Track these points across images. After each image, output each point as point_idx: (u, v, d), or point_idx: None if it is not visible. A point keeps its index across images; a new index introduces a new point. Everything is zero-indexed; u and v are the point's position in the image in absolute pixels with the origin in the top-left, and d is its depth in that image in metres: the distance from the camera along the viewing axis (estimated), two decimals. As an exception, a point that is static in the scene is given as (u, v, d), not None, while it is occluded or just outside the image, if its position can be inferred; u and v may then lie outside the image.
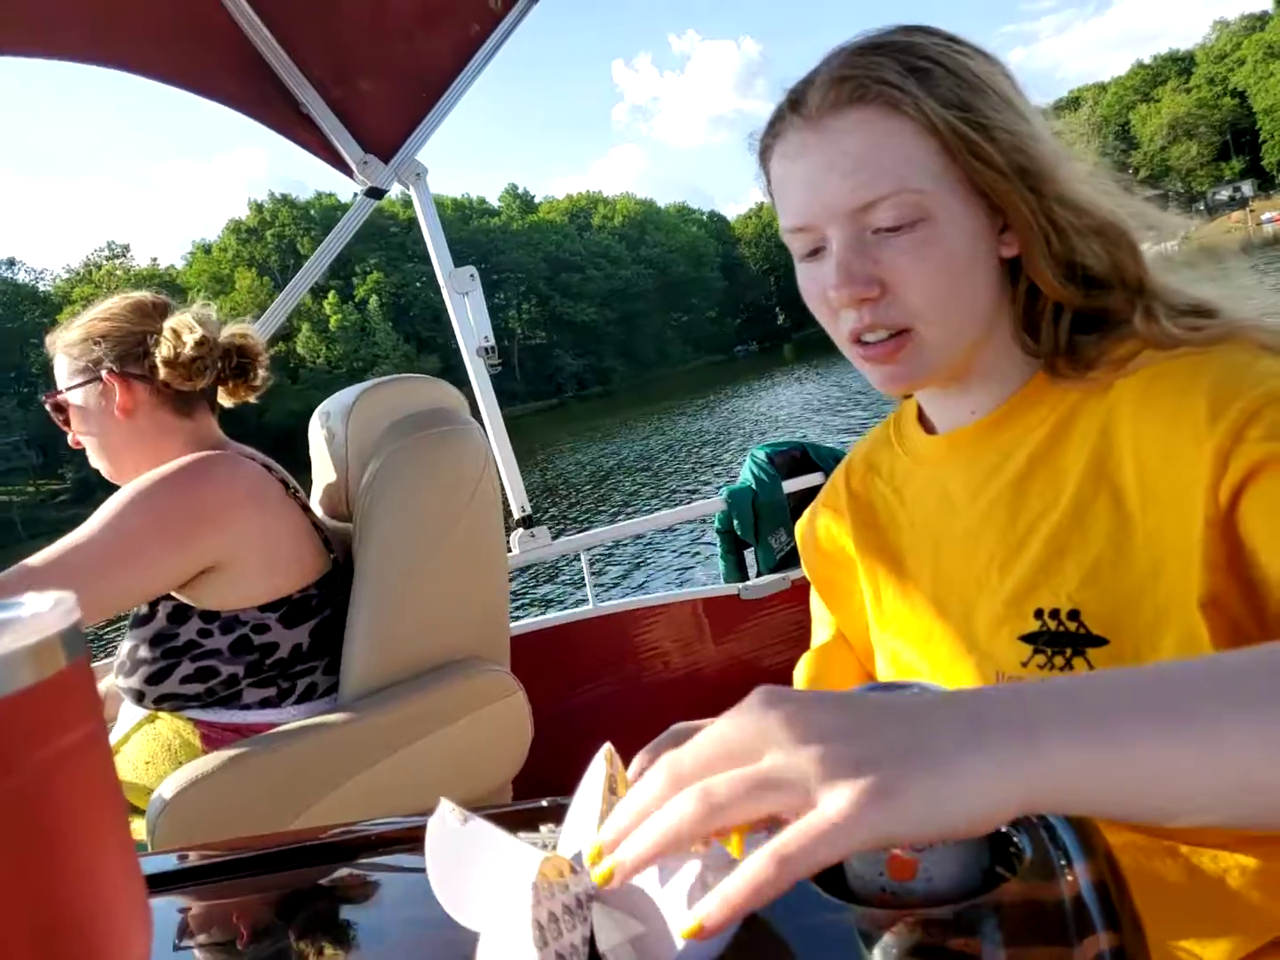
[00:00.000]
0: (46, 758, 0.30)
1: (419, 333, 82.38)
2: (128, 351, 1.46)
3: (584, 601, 2.31)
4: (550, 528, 2.28)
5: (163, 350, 1.44)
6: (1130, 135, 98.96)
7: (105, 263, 79.64)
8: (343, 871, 0.68)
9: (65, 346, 1.48)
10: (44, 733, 0.30)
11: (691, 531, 8.86)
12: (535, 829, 0.63)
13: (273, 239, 79.77)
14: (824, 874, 0.52)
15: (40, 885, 0.30)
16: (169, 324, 1.47)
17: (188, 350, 1.44)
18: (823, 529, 1.02)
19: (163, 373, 1.44)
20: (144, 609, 1.41)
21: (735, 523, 2.47)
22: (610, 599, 2.36)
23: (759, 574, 2.49)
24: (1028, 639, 0.76)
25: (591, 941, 0.47)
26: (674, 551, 8.83)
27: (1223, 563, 0.66)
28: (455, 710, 1.43)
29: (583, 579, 2.36)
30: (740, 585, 2.43)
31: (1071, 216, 0.75)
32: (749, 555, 2.57)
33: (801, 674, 1.10)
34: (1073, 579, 0.73)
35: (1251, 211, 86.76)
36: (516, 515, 2.26)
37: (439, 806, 0.52)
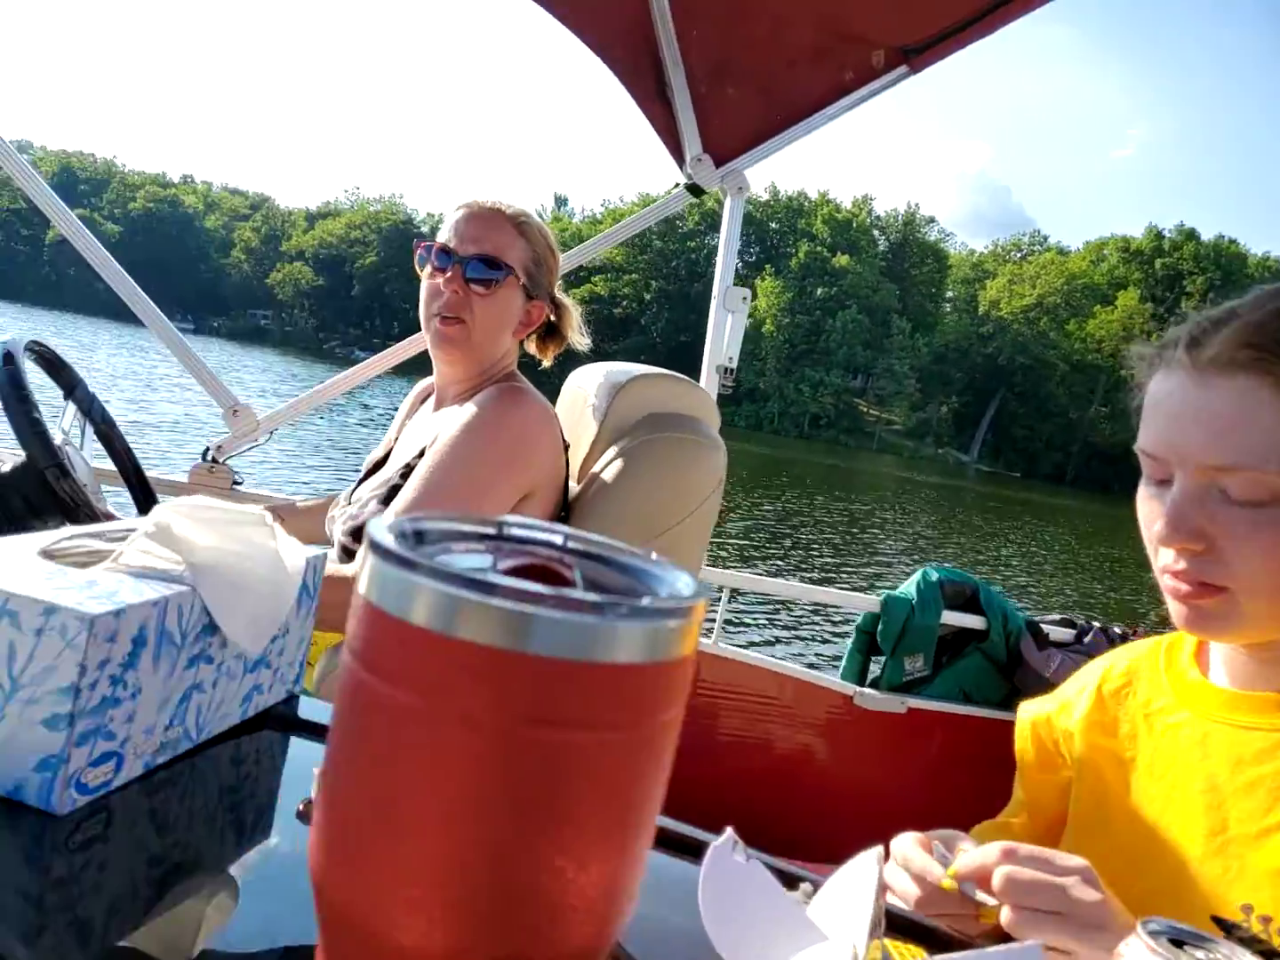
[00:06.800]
0: (659, 723, 0.31)
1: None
2: (551, 292, 1.58)
3: (707, 636, 2.30)
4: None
5: (571, 328, 1.64)
6: None
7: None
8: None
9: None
10: (665, 701, 0.31)
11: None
12: (792, 887, 0.64)
13: (1161, 269, 72.14)
14: None
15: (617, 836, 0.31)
16: (571, 306, 1.64)
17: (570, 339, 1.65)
18: (1056, 720, 0.99)
19: (556, 339, 1.65)
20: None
21: (880, 628, 2.42)
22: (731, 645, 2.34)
23: (878, 686, 2.44)
24: (1220, 923, 0.73)
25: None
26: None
27: None
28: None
29: (715, 614, 2.35)
30: (856, 688, 2.39)
31: None
32: (874, 664, 2.52)
33: (973, 839, 1.08)
34: None
35: None
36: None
37: (725, 833, 0.53)
